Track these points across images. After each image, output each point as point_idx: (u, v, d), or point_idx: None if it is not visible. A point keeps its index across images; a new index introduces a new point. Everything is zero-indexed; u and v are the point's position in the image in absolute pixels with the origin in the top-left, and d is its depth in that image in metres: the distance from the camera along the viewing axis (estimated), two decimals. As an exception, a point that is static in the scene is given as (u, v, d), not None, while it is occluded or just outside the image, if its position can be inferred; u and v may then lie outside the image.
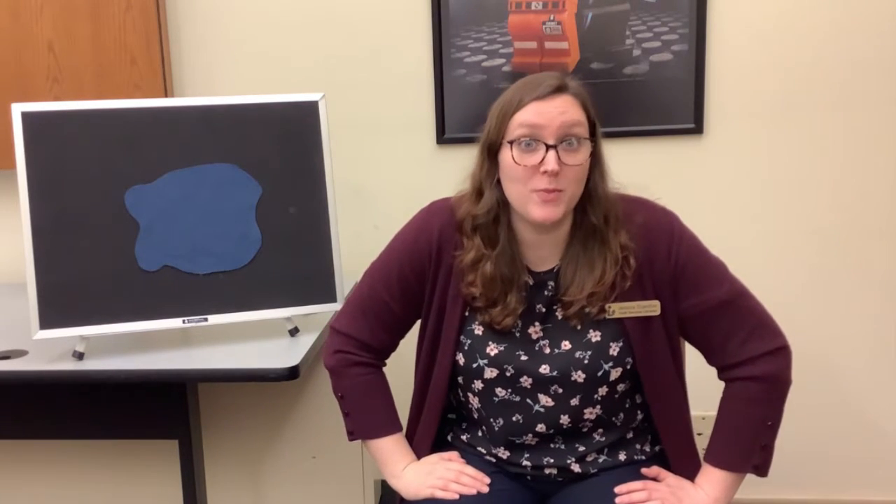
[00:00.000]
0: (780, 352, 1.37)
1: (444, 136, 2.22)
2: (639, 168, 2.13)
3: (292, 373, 1.60)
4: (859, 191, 2.18)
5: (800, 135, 2.16)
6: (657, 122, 2.17)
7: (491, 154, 1.36)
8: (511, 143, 1.31)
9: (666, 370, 1.40)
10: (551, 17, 2.14)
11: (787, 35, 2.12)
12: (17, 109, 1.62)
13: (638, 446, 1.46)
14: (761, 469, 1.38)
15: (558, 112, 1.29)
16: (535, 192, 1.30)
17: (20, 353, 1.72)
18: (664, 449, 1.45)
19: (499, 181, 1.36)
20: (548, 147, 1.28)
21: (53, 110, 1.66)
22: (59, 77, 2.17)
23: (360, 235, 2.20)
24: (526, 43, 2.15)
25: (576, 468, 1.42)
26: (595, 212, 1.35)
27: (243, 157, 1.72)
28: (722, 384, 1.42)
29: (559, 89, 1.31)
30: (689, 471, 1.43)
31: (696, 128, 2.16)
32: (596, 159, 1.35)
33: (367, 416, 1.49)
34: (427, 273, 1.43)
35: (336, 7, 2.20)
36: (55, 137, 1.64)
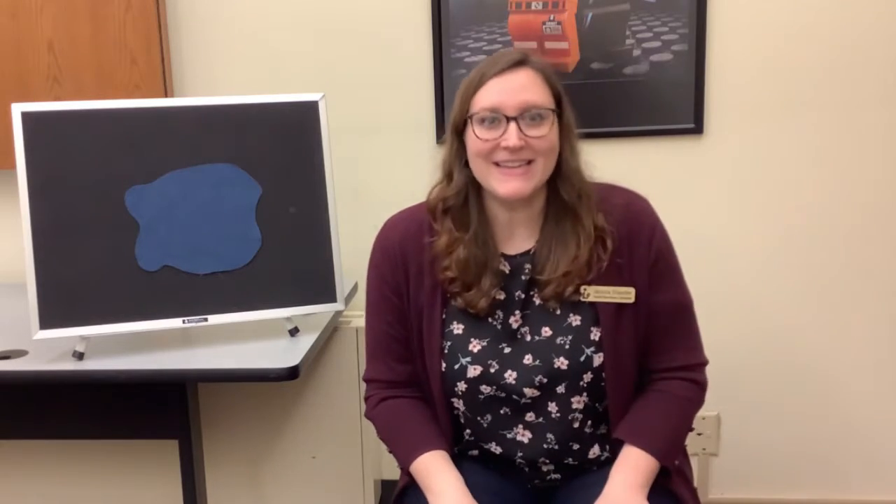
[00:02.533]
0: (700, 368, 1.38)
1: (443, 136, 2.21)
2: (639, 168, 2.13)
3: (292, 373, 1.60)
4: (860, 191, 2.17)
5: (800, 135, 2.16)
6: (657, 122, 2.17)
7: (458, 135, 1.36)
8: (472, 117, 1.30)
9: (629, 360, 1.36)
10: (551, 17, 2.14)
11: (786, 35, 2.12)
12: (17, 109, 1.62)
13: None
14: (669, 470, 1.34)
15: (519, 86, 1.29)
16: (497, 167, 1.30)
17: (20, 353, 1.72)
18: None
19: (468, 163, 1.35)
20: (508, 119, 1.27)
21: (53, 110, 1.66)
22: (59, 77, 2.17)
23: (360, 235, 2.19)
24: (526, 43, 2.15)
25: (572, 462, 1.39)
26: (566, 188, 1.33)
27: (243, 157, 1.73)
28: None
29: (519, 63, 1.30)
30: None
31: (696, 128, 2.16)
32: (565, 133, 1.33)
33: (399, 445, 1.42)
34: (402, 285, 1.41)
35: (336, 7, 2.20)
36: (55, 137, 1.64)
